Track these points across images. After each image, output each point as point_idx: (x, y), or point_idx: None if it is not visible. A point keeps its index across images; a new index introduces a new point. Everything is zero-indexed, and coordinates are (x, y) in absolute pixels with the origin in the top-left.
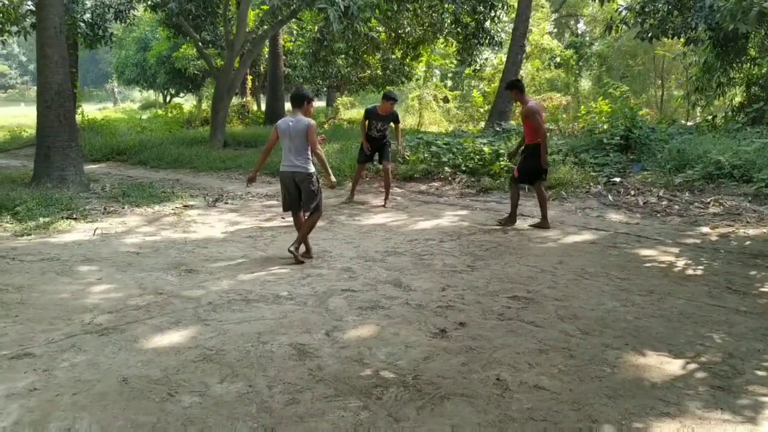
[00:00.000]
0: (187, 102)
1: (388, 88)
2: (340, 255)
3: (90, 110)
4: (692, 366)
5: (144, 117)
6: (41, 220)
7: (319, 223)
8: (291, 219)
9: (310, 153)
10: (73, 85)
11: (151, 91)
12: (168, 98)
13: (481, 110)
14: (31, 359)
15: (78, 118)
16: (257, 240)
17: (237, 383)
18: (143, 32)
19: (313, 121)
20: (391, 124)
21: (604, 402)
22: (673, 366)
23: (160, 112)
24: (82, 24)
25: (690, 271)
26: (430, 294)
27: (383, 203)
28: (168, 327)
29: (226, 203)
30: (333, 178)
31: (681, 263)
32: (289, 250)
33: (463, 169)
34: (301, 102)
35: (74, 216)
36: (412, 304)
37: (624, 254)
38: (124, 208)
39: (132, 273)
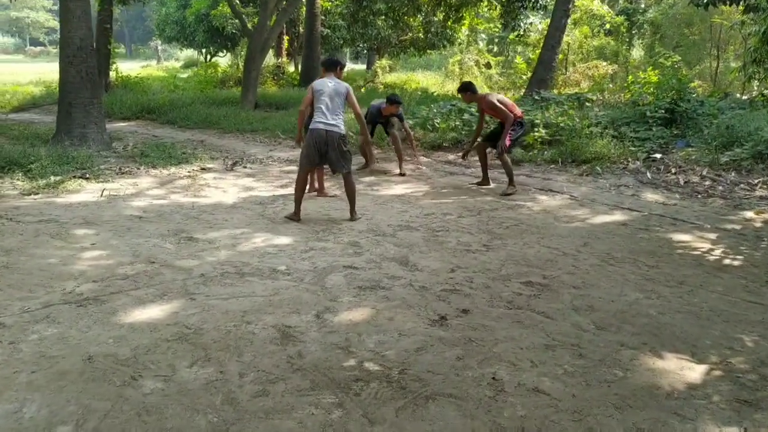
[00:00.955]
0: (230, 62)
1: (430, 51)
2: (350, 228)
3: (134, 68)
4: (716, 373)
5: (184, 76)
6: (52, 178)
7: (336, 192)
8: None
9: (343, 114)
10: (107, 42)
11: (191, 50)
12: (209, 57)
13: (524, 77)
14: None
15: (112, 75)
16: (267, 207)
17: (207, 368)
18: None
19: (349, 85)
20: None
21: (610, 413)
22: (695, 372)
23: (200, 71)
24: None
25: (727, 261)
26: (436, 275)
27: (399, 172)
28: (151, 300)
29: (245, 167)
30: (372, 150)
31: (718, 251)
32: (353, 219)
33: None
34: (333, 66)
35: (87, 175)
36: (415, 285)
37: (656, 238)
38: (139, 168)
39: (129, 238)
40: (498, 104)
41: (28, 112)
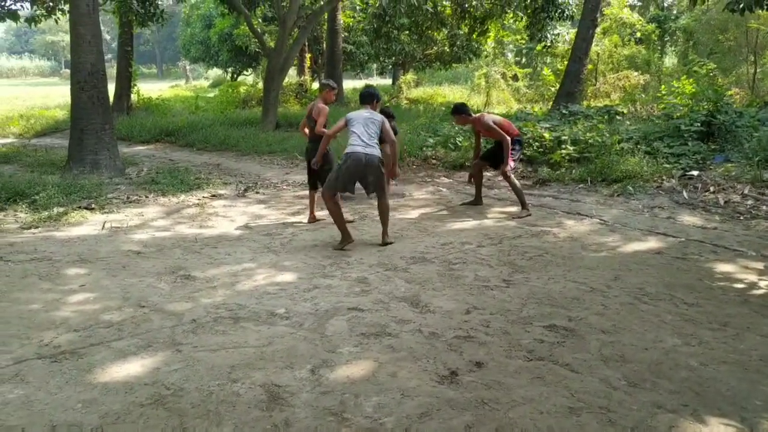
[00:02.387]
0: (253, 81)
1: (456, 64)
2: (359, 261)
3: (163, 87)
4: None
5: (211, 95)
6: (55, 210)
7: (348, 216)
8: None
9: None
10: (128, 64)
11: (218, 69)
12: (236, 76)
13: (553, 89)
14: None
15: (133, 97)
16: (274, 239)
17: None
18: (208, 9)
19: (384, 117)
20: None
21: None
22: None
23: (222, 90)
24: (134, 2)
25: None
26: (450, 318)
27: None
28: (133, 352)
29: (257, 193)
30: (398, 171)
31: (765, 284)
32: (386, 243)
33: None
34: (370, 99)
35: (92, 206)
36: (425, 331)
37: (695, 269)
38: (148, 197)
39: (122, 278)
40: (493, 125)
41: (50, 137)
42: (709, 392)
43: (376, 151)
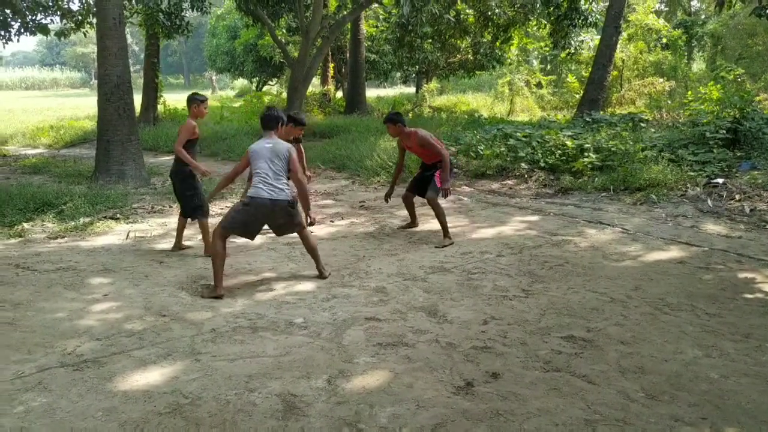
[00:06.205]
0: (277, 91)
1: (480, 72)
2: (378, 271)
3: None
4: None
5: (237, 105)
6: (81, 220)
7: (369, 229)
8: (337, 222)
9: (287, 179)
10: (155, 75)
11: (241, 79)
12: (261, 86)
13: (577, 96)
14: None
15: (159, 108)
16: (295, 248)
17: None
18: (233, 20)
19: (291, 145)
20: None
21: None
22: None
23: (247, 99)
24: (160, 14)
25: None
26: (467, 328)
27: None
28: (153, 361)
29: None
30: (312, 214)
31: None
32: (323, 276)
33: (542, 165)
34: (274, 124)
35: (117, 216)
36: (441, 342)
37: (718, 279)
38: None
39: (144, 287)
40: (432, 142)
41: (78, 148)
42: (730, 405)
43: (284, 194)
